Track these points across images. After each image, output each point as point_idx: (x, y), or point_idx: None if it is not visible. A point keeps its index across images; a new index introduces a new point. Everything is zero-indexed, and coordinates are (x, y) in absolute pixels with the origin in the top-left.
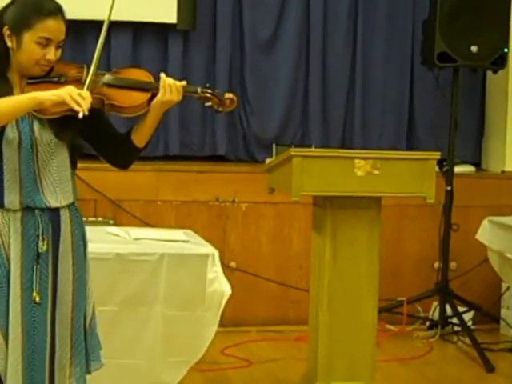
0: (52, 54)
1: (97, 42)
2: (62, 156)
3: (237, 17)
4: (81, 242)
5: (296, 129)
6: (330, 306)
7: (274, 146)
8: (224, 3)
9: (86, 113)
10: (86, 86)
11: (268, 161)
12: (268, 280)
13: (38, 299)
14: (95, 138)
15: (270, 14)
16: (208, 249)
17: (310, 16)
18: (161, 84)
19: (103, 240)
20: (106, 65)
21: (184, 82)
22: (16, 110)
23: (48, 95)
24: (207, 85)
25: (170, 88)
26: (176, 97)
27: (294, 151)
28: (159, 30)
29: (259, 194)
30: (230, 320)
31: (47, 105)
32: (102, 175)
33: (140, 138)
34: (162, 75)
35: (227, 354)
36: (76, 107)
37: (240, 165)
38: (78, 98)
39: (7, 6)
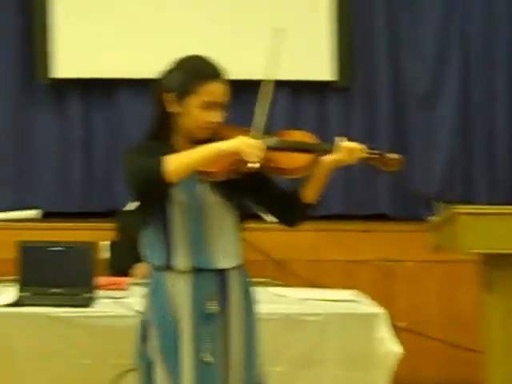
0: (217, 116)
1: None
2: (230, 217)
3: (396, 73)
4: (250, 302)
5: (460, 185)
6: (505, 369)
7: (437, 203)
8: (382, 59)
9: (258, 165)
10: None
11: (432, 218)
12: (438, 340)
13: (209, 360)
14: (263, 198)
15: (428, 69)
16: (376, 308)
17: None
18: (338, 143)
19: (269, 301)
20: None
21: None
22: (202, 160)
23: (228, 145)
24: (372, 146)
25: (350, 149)
26: (351, 158)
27: (459, 208)
28: (318, 87)
29: (426, 252)
30: (402, 381)
31: (227, 153)
32: (265, 235)
33: (309, 195)
34: (337, 138)
35: None
36: (250, 159)
37: (404, 223)
38: (252, 150)
39: (168, 72)
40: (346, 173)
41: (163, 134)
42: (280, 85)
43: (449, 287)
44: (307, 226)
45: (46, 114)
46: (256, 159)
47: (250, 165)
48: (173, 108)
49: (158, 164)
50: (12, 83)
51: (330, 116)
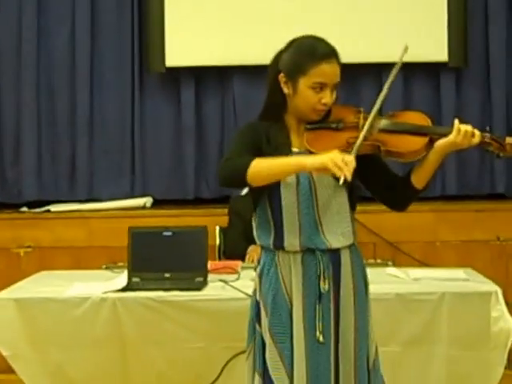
0: (328, 97)
1: (374, 85)
2: (342, 198)
3: (511, 49)
4: (362, 282)
5: None
6: None
7: None
8: (496, 37)
9: (349, 179)
10: (354, 150)
11: None
12: None
13: (321, 339)
14: (373, 181)
15: None
16: (490, 286)
17: None
18: (456, 126)
19: (383, 281)
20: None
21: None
22: (281, 173)
23: (313, 161)
24: (487, 128)
25: (466, 132)
26: (467, 142)
27: None
28: (430, 68)
29: None
30: None
31: (310, 169)
32: (379, 218)
33: (420, 179)
34: (456, 121)
35: None
36: (338, 173)
37: None
38: (341, 164)
39: (282, 51)
40: (461, 153)
41: (276, 115)
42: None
43: None
44: (422, 207)
45: (161, 102)
46: (342, 174)
47: (340, 180)
48: (285, 88)
49: (245, 166)
50: (128, 73)
51: (443, 97)
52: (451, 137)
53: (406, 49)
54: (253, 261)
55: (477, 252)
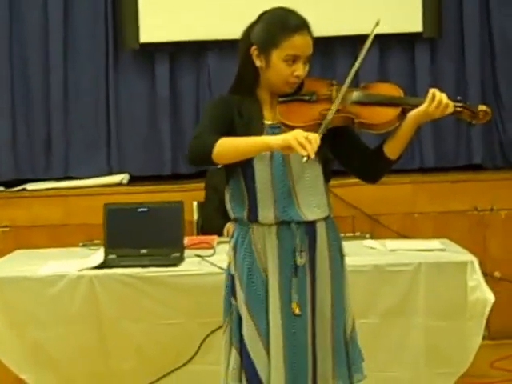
0: (300, 69)
1: (349, 58)
2: (315, 170)
3: (485, 20)
4: (338, 254)
5: None
6: None
7: None
8: (470, 7)
9: (312, 156)
10: (322, 128)
11: None
12: None
13: (297, 311)
14: (345, 153)
15: None
16: (466, 256)
17: None
18: (429, 96)
19: (360, 253)
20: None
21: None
22: (246, 153)
23: (276, 140)
24: (458, 98)
25: (440, 102)
26: (440, 112)
27: None
28: (405, 40)
29: None
30: (499, 332)
31: (274, 148)
32: (357, 191)
33: (393, 150)
34: (432, 89)
35: (497, 368)
36: (301, 151)
37: (497, 172)
38: (303, 142)
39: (253, 24)
40: (438, 125)
41: (248, 88)
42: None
43: None
44: (401, 179)
45: (136, 78)
46: (306, 152)
47: (303, 158)
48: (257, 61)
49: (211, 146)
50: (103, 50)
51: (418, 68)
52: (424, 106)
53: (377, 23)
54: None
55: (454, 222)
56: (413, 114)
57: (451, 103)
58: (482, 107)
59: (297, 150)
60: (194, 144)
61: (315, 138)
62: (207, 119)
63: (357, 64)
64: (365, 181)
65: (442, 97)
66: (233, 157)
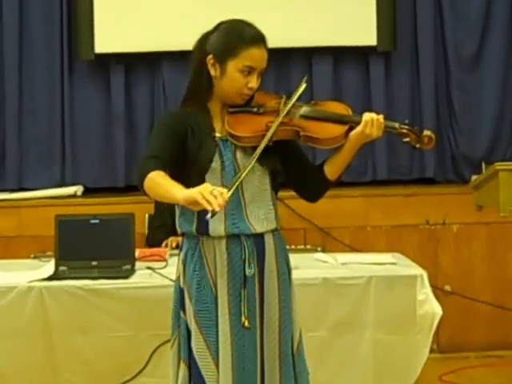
0: (254, 82)
1: (303, 70)
2: (265, 182)
3: (439, 34)
4: (285, 266)
5: (506, 146)
6: None
7: (483, 163)
8: (424, 21)
9: (217, 210)
10: (232, 187)
11: (474, 177)
12: (485, 303)
13: (246, 324)
14: (288, 168)
15: (473, 29)
16: (416, 270)
17: None
18: (364, 117)
19: (310, 266)
20: (307, 90)
21: (381, 116)
22: (163, 198)
23: (183, 195)
24: (406, 121)
25: (372, 122)
26: (376, 132)
27: (499, 165)
28: (359, 53)
29: (470, 214)
30: (448, 345)
31: (181, 202)
32: (310, 203)
33: (333, 170)
34: (366, 113)
35: (445, 381)
36: (207, 206)
37: (449, 186)
38: (208, 198)
39: (208, 34)
40: (392, 139)
41: (200, 99)
42: (322, 51)
43: (494, 249)
44: (353, 192)
45: (91, 89)
46: (210, 207)
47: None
48: (212, 70)
49: (143, 177)
50: (58, 60)
51: (372, 81)
52: (359, 128)
53: (306, 80)
54: (172, 247)
55: (406, 236)
56: (353, 133)
57: (382, 121)
58: (427, 132)
59: (203, 206)
60: (138, 167)
61: (222, 193)
62: (155, 139)
63: (303, 85)
64: (305, 199)
65: (374, 117)
66: (155, 195)
